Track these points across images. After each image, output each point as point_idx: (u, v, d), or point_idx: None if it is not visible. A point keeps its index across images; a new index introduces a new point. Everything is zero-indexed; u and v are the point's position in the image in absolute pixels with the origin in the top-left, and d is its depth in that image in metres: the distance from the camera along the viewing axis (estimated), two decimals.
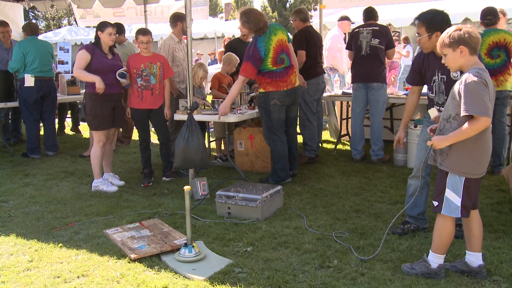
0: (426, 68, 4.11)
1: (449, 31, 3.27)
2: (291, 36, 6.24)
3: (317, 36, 7.05)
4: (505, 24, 6.10)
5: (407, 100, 4.49)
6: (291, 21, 7.10)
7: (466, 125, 3.11)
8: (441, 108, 3.90)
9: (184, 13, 5.16)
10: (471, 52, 3.22)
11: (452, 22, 3.91)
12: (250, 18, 5.59)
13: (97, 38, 5.72)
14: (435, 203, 3.40)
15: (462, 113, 3.10)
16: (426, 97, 4.24)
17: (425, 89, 4.27)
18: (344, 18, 8.73)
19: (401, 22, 12.16)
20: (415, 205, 4.26)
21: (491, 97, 3.17)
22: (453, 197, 3.30)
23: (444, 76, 3.94)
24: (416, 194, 4.13)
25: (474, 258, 3.43)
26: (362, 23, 6.98)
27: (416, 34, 4.05)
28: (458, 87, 3.20)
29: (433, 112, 3.74)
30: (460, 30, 3.21)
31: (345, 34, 8.81)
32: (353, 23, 8.70)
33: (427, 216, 4.36)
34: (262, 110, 5.82)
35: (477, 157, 3.26)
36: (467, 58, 3.23)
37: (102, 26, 5.70)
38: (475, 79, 3.09)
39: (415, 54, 4.30)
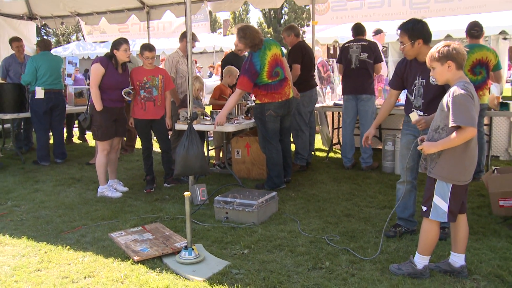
0: (408, 72, 4.13)
1: (438, 46, 3.31)
2: (285, 51, 6.26)
3: (310, 50, 7.07)
4: (482, 40, 6.14)
5: (384, 102, 4.52)
6: (284, 37, 7.10)
7: (454, 134, 3.14)
8: (418, 112, 3.94)
9: (190, 30, 5.18)
10: (457, 67, 3.26)
11: (435, 39, 3.95)
12: (246, 34, 5.61)
13: (112, 53, 5.73)
14: (424, 208, 3.41)
15: (451, 124, 3.13)
16: (403, 107, 4.25)
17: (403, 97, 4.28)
18: (379, 32, 8.73)
19: (388, 38, 12.23)
20: (405, 208, 4.28)
21: (476, 109, 3.20)
22: (440, 203, 3.31)
23: (424, 81, 3.97)
24: (405, 198, 4.16)
25: (458, 259, 3.45)
26: (351, 38, 7.01)
27: (400, 43, 4.06)
28: (446, 99, 3.22)
29: (413, 116, 3.77)
30: (448, 46, 3.25)
31: (382, 45, 8.75)
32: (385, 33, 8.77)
33: (415, 219, 4.37)
34: (258, 121, 5.82)
35: (464, 165, 3.28)
36: (454, 73, 3.27)
37: (117, 44, 5.70)
38: (462, 92, 3.12)
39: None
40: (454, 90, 3.17)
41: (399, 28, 4.02)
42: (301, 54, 6.76)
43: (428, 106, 3.94)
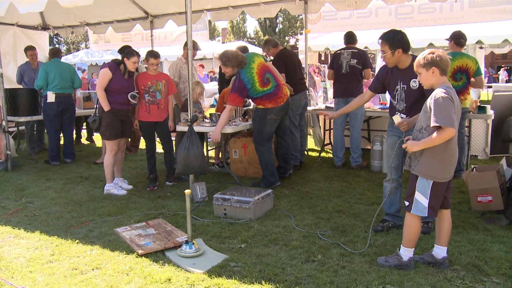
0: (389, 79, 4.14)
1: (424, 53, 3.33)
2: (268, 58, 6.24)
3: (294, 55, 7.00)
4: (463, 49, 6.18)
5: (357, 97, 4.59)
6: (266, 54, 7.03)
7: (434, 134, 3.16)
8: (401, 114, 3.96)
9: (191, 39, 5.17)
10: (441, 72, 3.28)
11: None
12: (228, 57, 5.60)
13: (122, 60, 5.73)
14: (406, 203, 3.43)
15: (432, 124, 3.15)
16: (388, 110, 4.27)
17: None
18: None
19: (376, 46, 12.25)
20: (391, 204, 4.28)
21: (456, 111, 3.20)
22: (421, 198, 3.32)
23: (405, 86, 4.00)
24: (391, 194, 4.17)
25: (440, 251, 3.47)
26: (343, 46, 7.00)
27: (381, 52, 4.07)
28: (429, 102, 3.24)
29: (396, 118, 3.78)
30: (433, 53, 3.28)
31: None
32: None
33: (401, 215, 4.38)
34: (256, 123, 5.80)
35: (444, 163, 3.29)
36: (438, 78, 3.29)
37: (129, 54, 5.69)
38: (444, 95, 3.15)
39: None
40: (436, 93, 3.20)
41: (380, 38, 4.04)
42: (283, 63, 6.64)
43: (410, 109, 3.97)
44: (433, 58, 3.26)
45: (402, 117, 3.86)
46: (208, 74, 20.28)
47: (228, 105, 5.69)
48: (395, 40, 3.94)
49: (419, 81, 3.51)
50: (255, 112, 5.85)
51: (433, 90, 3.28)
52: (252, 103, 6.01)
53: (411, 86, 3.94)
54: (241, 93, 5.61)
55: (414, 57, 3.88)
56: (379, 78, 4.26)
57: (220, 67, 7.63)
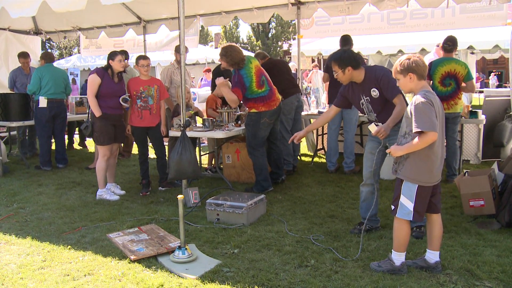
0: (352, 94, 4.24)
1: (401, 59, 3.38)
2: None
3: (281, 63, 7.10)
4: (453, 54, 6.21)
5: (323, 114, 4.63)
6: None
7: (416, 139, 3.19)
8: (377, 123, 4.02)
9: (183, 43, 5.20)
10: (418, 78, 3.32)
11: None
12: (227, 52, 5.62)
13: (108, 64, 5.73)
14: (392, 207, 3.45)
15: (414, 130, 3.18)
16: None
17: None
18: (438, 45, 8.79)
19: (369, 51, 12.33)
20: (367, 209, 4.29)
21: (438, 115, 3.23)
22: (406, 202, 3.34)
23: (368, 97, 4.10)
24: (367, 199, 4.26)
25: (433, 256, 3.47)
26: (334, 50, 7.01)
27: (333, 72, 4.17)
28: (409, 108, 3.28)
29: (372, 128, 3.83)
30: (409, 59, 3.32)
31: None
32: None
33: (379, 217, 4.46)
34: (249, 127, 5.79)
35: (429, 167, 3.30)
36: (416, 83, 3.32)
37: (112, 55, 5.72)
38: (423, 100, 3.18)
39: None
40: (416, 98, 3.23)
41: (329, 59, 4.15)
42: (271, 71, 6.45)
43: (382, 116, 4.06)
44: (409, 64, 3.29)
45: (377, 125, 3.90)
46: (201, 79, 20.25)
47: (232, 100, 5.68)
48: (342, 59, 4.05)
49: (378, 90, 3.70)
50: (248, 117, 5.84)
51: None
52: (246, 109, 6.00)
53: (372, 96, 4.05)
54: (241, 88, 5.62)
55: (367, 70, 4.07)
56: (343, 94, 4.34)
57: (212, 72, 7.67)
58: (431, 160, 3.29)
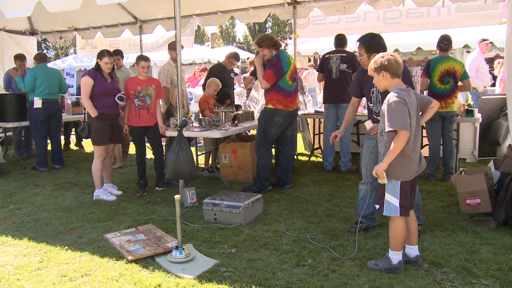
0: (365, 82, 4.17)
1: (376, 58, 3.40)
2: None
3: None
4: (449, 53, 6.23)
5: (348, 109, 4.54)
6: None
7: (392, 144, 3.21)
8: (378, 118, 3.98)
9: (180, 43, 5.19)
10: (392, 76, 3.34)
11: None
12: (263, 38, 5.66)
13: (97, 64, 5.72)
14: (377, 206, 3.47)
15: (386, 129, 3.22)
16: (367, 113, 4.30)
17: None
18: (484, 40, 8.82)
19: None
20: (365, 207, 4.29)
21: (411, 113, 3.25)
22: (392, 199, 3.36)
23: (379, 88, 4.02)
24: (365, 197, 4.25)
25: (412, 250, 3.53)
26: (331, 49, 7.03)
27: (358, 54, 4.11)
28: (382, 106, 3.32)
29: (368, 124, 3.83)
30: (383, 57, 3.35)
31: (484, 54, 8.86)
32: (491, 43, 9.07)
33: (376, 217, 4.44)
34: (262, 123, 5.78)
35: (407, 163, 3.32)
36: (389, 81, 3.36)
37: (100, 55, 5.72)
38: (396, 99, 3.20)
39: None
40: (389, 97, 3.26)
41: (358, 41, 4.07)
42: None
43: None
44: (382, 62, 3.33)
45: (377, 119, 3.89)
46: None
47: (262, 80, 5.65)
48: (371, 44, 3.98)
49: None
50: (263, 112, 5.83)
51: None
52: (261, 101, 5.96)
53: None
54: (277, 73, 5.58)
55: None
56: (357, 82, 4.30)
57: (208, 73, 7.65)
58: (408, 155, 3.32)
